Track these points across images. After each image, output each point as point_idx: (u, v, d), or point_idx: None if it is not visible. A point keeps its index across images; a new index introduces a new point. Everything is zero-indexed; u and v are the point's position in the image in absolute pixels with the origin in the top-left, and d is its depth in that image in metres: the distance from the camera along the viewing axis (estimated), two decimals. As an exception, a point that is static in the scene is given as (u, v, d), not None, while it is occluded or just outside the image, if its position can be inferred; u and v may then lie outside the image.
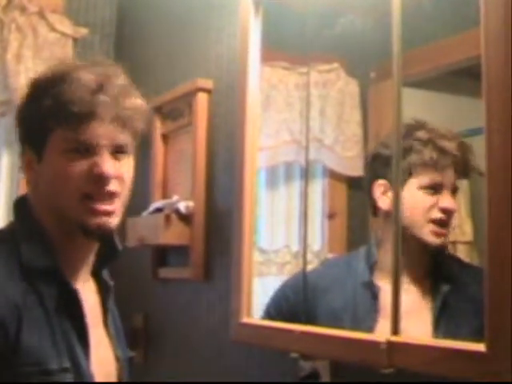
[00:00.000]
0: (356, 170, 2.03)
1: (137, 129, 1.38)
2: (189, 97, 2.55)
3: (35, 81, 1.37)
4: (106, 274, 1.51)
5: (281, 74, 2.22)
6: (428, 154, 1.65)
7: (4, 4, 2.89)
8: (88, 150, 1.31)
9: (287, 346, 1.88)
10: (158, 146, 2.76)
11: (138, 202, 2.78)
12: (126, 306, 2.94)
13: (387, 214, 1.70)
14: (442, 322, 1.60)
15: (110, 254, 1.47)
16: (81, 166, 1.30)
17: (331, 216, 2.10)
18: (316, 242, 2.09)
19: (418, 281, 1.68)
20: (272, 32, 2.19)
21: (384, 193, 1.72)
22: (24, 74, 2.85)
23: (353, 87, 2.08)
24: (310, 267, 1.99)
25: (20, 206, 1.41)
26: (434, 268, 1.68)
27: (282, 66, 2.22)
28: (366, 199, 2.01)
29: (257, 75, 2.16)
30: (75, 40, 3.05)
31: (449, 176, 1.65)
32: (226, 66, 2.42)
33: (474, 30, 1.38)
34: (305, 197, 2.03)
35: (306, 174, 2.07)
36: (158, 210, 2.55)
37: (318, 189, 2.12)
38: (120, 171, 1.34)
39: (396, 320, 1.56)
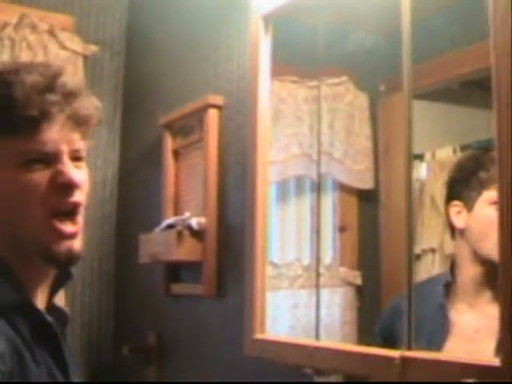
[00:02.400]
0: (366, 182, 2.03)
1: (89, 129, 1.23)
2: (199, 113, 2.56)
3: None
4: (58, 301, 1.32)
5: (290, 88, 2.22)
6: (496, 169, 1.65)
7: (15, 22, 2.91)
8: (46, 159, 1.16)
9: (301, 362, 1.87)
10: (169, 162, 2.77)
11: (150, 219, 2.81)
12: (138, 323, 2.97)
13: (461, 232, 1.69)
14: None
15: (63, 279, 1.29)
16: (41, 176, 1.16)
17: (342, 229, 2.09)
18: (327, 255, 2.09)
19: (494, 292, 1.61)
20: (281, 46, 2.19)
21: (458, 213, 1.71)
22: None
23: (362, 100, 2.08)
24: (321, 280, 1.99)
25: None
26: None
27: (291, 79, 2.22)
28: (376, 212, 2.01)
29: (267, 90, 2.16)
30: (85, 57, 3.06)
31: None
32: (236, 82, 2.43)
33: (483, 42, 1.38)
34: (317, 210, 2.03)
35: (318, 187, 2.07)
36: (170, 226, 2.56)
37: (328, 202, 2.12)
38: (82, 180, 1.20)
39: (409, 334, 1.55)
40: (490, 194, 1.59)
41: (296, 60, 2.25)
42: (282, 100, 2.22)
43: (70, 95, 1.19)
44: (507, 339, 1.28)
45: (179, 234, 2.46)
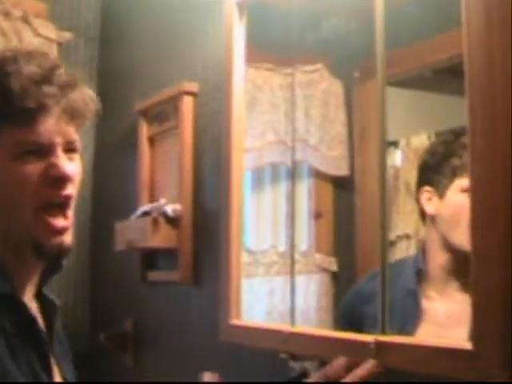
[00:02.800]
0: (341, 169, 2.04)
1: (85, 121, 1.25)
2: (174, 100, 2.56)
3: None
4: (48, 291, 1.32)
5: (265, 76, 2.22)
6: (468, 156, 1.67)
7: (-13, 9, 2.88)
8: (41, 151, 1.17)
9: (277, 347, 1.88)
10: (145, 149, 2.76)
11: (125, 206, 2.80)
12: (114, 310, 2.96)
13: (432, 218, 1.70)
14: None
15: (52, 269, 1.30)
16: (34, 168, 1.16)
17: (317, 216, 2.10)
18: (303, 242, 2.10)
19: (464, 279, 1.61)
20: (256, 33, 2.19)
21: (429, 199, 1.72)
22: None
23: (337, 87, 2.08)
24: (297, 267, 2.00)
25: None
26: None
27: (266, 67, 2.23)
28: (351, 199, 2.02)
29: (242, 77, 2.16)
30: (60, 44, 3.04)
31: None
32: (211, 69, 2.42)
33: (457, 29, 1.39)
34: (292, 197, 2.04)
35: (293, 174, 2.07)
36: (146, 213, 2.56)
37: (303, 189, 2.13)
38: (75, 173, 1.22)
39: (383, 319, 1.56)
40: (462, 182, 1.59)
41: (271, 47, 2.25)
42: (258, 87, 2.22)
43: (66, 87, 1.20)
44: (478, 322, 1.30)
45: (155, 221, 2.46)
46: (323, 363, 1.77)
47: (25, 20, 2.95)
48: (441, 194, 1.67)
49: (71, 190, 1.21)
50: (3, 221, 1.19)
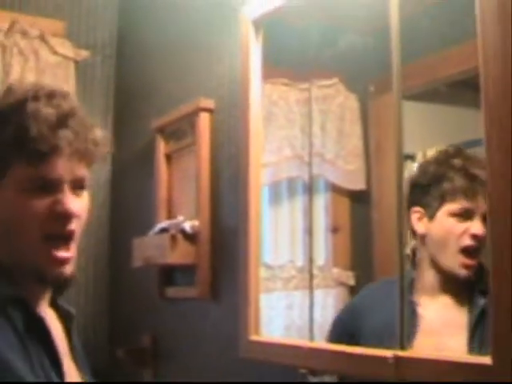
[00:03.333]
0: (358, 183, 2.04)
1: (95, 161, 1.31)
2: (191, 117, 2.57)
3: None
4: (63, 301, 1.39)
5: (281, 91, 2.23)
6: (459, 181, 1.67)
7: (6, 28, 2.91)
8: (49, 186, 1.23)
9: (296, 363, 1.88)
10: (162, 166, 2.77)
11: (143, 223, 2.81)
12: (133, 326, 2.97)
13: (422, 238, 1.73)
14: (477, 336, 1.58)
15: (62, 287, 1.35)
16: (41, 203, 1.23)
17: (335, 230, 2.10)
18: (320, 256, 2.10)
19: (454, 296, 1.68)
20: (272, 49, 2.20)
21: (420, 219, 1.73)
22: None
23: (352, 101, 2.09)
24: (314, 281, 2.00)
25: None
26: (471, 282, 1.67)
27: (282, 82, 2.23)
28: (368, 212, 2.02)
29: (258, 93, 2.17)
30: (77, 62, 3.07)
31: (480, 203, 1.63)
32: (227, 85, 2.43)
33: (472, 41, 1.39)
34: (309, 211, 2.04)
35: (310, 189, 2.07)
36: (164, 230, 2.56)
37: (320, 203, 2.13)
38: (80, 209, 1.28)
39: (402, 335, 1.56)
40: (452, 206, 1.65)
41: (287, 63, 2.26)
42: (274, 102, 2.23)
43: (81, 131, 1.26)
44: (497, 337, 1.29)
45: (173, 238, 2.47)
46: (342, 378, 1.77)
47: (42, 39, 2.98)
48: (430, 216, 1.70)
49: (75, 225, 1.26)
50: (9, 246, 1.25)
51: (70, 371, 1.31)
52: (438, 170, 1.70)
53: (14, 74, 2.87)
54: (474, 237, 1.63)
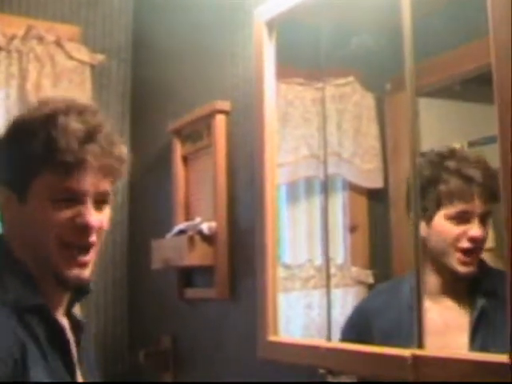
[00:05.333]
0: (375, 182, 2.04)
1: (119, 177, 1.37)
2: (207, 119, 2.57)
3: (18, 120, 1.33)
4: (75, 311, 1.45)
5: (297, 90, 2.23)
6: (453, 183, 1.66)
7: (22, 34, 2.93)
8: (72, 198, 1.29)
9: (314, 363, 1.87)
10: (179, 168, 2.78)
11: (161, 225, 2.82)
12: (153, 329, 2.98)
13: (424, 240, 1.71)
14: (479, 336, 1.59)
15: (81, 292, 1.42)
16: (64, 214, 1.29)
17: (353, 229, 2.10)
18: (339, 255, 2.09)
19: (456, 296, 1.68)
20: (286, 49, 2.20)
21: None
22: (44, 102, 2.89)
23: (369, 100, 2.08)
24: (333, 280, 1.99)
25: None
26: (472, 282, 1.67)
27: (297, 82, 2.23)
28: (386, 211, 2.01)
29: (273, 93, 2.17)
30: (92, 67, 3.08)
31: (476, 204, 1.64)
32: (242, 87, 2.44)
33: (485, 38, 1.39)
34: (326, 210, 2.04)
35: (326, 188, 2.07)
36: (182, 231, 2.57)
37: (338, 202, 2.13)
38: (101, 222, 1.33)
39: (420, 334, 1.55)
40: (449, 211, 1.65)
41: (301, 62, 2.25)
42: (290, 102, 2.23)
43: (106, 145, 1.31)
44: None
45: (191, 239, 2.47)
46: (361, 378, 1.77)
47: (58, 44, 2.99)
48: (428, 219, 1.69)
49: (95, 237, 1.32)
50: (32, 246, 1.30)
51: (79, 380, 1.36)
52: (433, 173, 1.69)
53: (31, 80, 2.89)
54: (472, 239, 1.63)
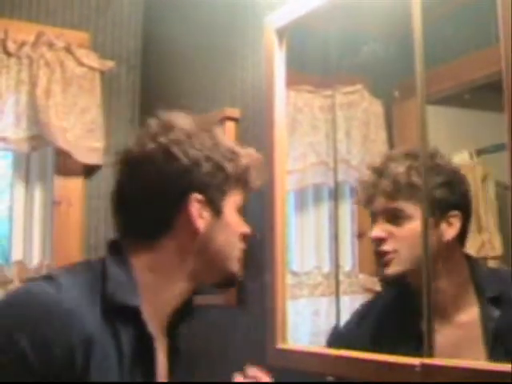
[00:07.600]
0: (384, 189, 2.03)
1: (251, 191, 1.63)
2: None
3: (217, 147, 1.55)
4: (178, 336, 1.55)
5: (306, 98, 2.23)
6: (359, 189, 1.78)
7: (32, 41, 2.94)
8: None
9: (323, 370, 1.87)
10: (188, 174, 2.77)
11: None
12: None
13: None
14: (495, 348, 1.54)
15: (184, 313, 1.56)
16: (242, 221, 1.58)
17: (361, 236, 2.10)
18: (347, 262, 2.09)
19: (463, 308, 1.66)
20: (296, 56, 2.20)
21: None
22: (53, 108, 2.90)
23: (377, 107, 2.08)
24: (341, 287, 1.99)
25: (115, 246, 1.42)
26: (480, 292, 1.64)
27: (306, 89, 2.23)
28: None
29: (282, 101, 2.17)
30: (102, 73, 3.09)
31: (377, 204, 1.71)
32: (251, 94, 2.44)
33: (495, 45, 1.39)
34: (335, 217, 2.04)
35: (336, 195, 2.07)
36: (190, 237, 2.57)
37: (346, 209, 2.13)
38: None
39: (430, 342, 1.54)
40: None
41: (310, 69, 2.26)
42: (298, 109, 2.23)
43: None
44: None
45: (199, 246, 2.47)
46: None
47: (68, 50, 3.00)
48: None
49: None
50: (223, 252, 1.54)
51: None
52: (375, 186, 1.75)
53: (41, 86, 2.90)
54: (374, 240, 1.67)
